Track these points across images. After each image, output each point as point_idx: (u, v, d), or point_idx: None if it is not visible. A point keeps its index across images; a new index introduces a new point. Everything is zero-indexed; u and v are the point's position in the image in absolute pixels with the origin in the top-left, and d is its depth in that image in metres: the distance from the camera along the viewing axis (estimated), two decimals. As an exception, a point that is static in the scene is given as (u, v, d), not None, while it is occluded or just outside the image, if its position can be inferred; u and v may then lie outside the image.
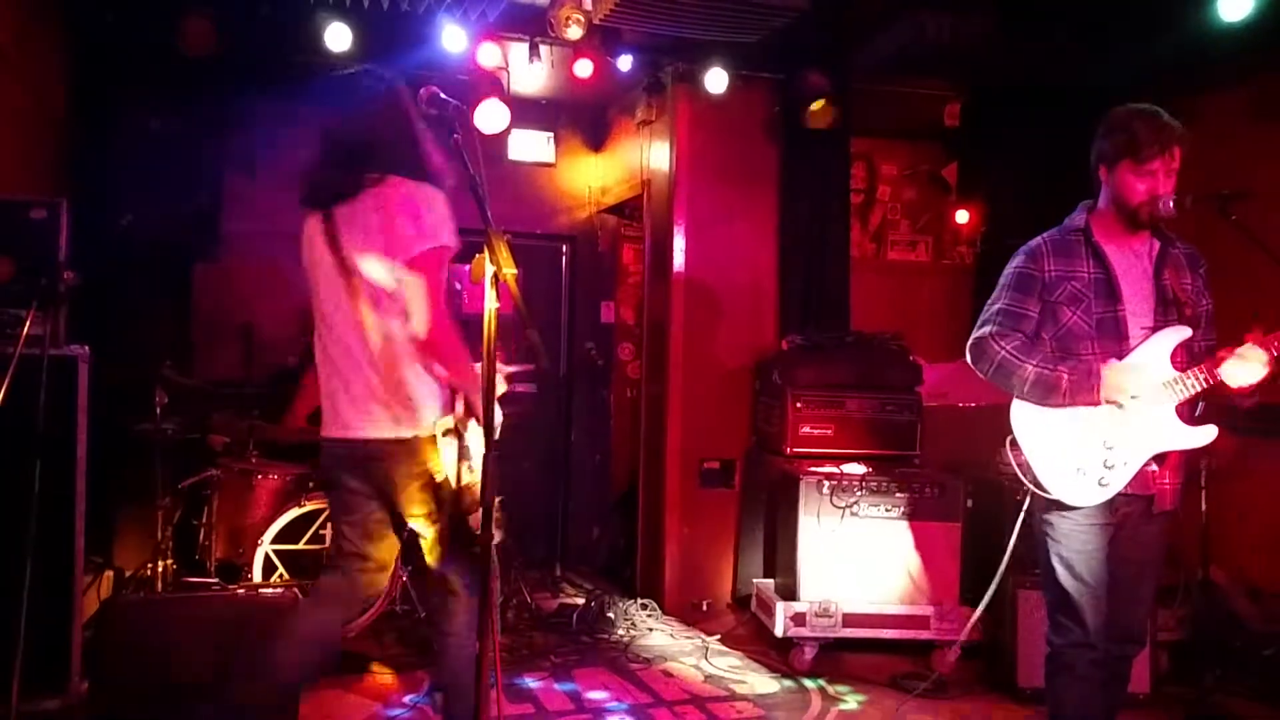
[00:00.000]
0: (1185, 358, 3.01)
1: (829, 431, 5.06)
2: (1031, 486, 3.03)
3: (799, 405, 5.06)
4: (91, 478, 3.73)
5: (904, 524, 4.69)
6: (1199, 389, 2.93)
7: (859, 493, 4.70)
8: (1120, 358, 2.99)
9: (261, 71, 5.09)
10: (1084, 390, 2.95)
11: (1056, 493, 2.99)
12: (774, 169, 5.71)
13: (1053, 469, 3.01)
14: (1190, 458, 3.09)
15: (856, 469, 4.83)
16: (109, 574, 4.67)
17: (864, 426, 5.08)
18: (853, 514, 4.67)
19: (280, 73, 5.02)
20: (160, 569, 4.35)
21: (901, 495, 4.71)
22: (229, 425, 4.81)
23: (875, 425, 5.09)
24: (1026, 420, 3.08)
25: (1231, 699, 4.04)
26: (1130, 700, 3.93)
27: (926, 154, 6.10)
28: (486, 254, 2.04)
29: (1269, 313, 2.94)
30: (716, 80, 5.34)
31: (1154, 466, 2.99)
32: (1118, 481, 2.97)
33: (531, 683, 4.37)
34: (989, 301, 3.18)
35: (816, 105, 5.37)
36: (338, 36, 4.69)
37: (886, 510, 4.70)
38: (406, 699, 4.10)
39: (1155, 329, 3.01)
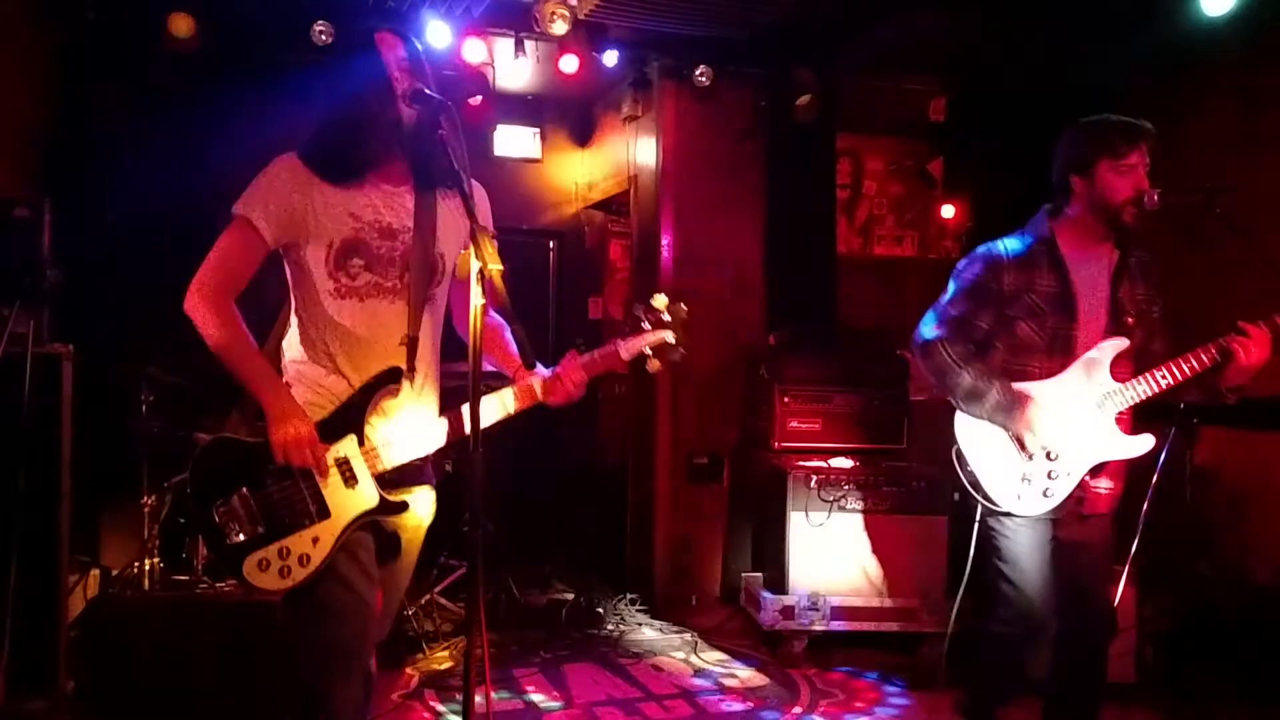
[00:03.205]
0: (1129, 368, 3.05)
1: (816, 426, 5.08)
2: (981, 499, 3.09)
3: (786, 400, 5.07)
4: (77, 477, 3.71)
5: (891, 518, 4.71)
6: (1142, 398, 3.00)
7: (846, 487, 4.71)
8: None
9: (246, 67, 5.07)
10: (1005, 416, 3.03)
11: (1004, 504, 3.06)
12: (761, 165, 5.72)
13: (999, 480, 3.07)
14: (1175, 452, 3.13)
15: (844, 463, 4.85)
16: (95, 573, 4.64)
17: (851, 421, 5.10)
18: (840, 508, 4.69)
19: (264, 68, 5.01)
20: (147, 568, 4.33)
21: (888, 489, 4.73)
22: (215, 423, 4.78)
23: (862, 420, 5.11)
24: (972, 433, 3.13)
25: (1216, 690, 4.06)
26: (1116, 691, 3.96)
27: (912, 149, 6.12)
28: (472, 250, 2.04)
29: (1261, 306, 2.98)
30: (703, 76, 5.34)
31: (1089, 477, 3.06)
32: (1061, 491, 3.04)
33: (521, 678, 4.37)
34: (943, 300, 3.21)
35: (803, 101, 5.38)
36: (321, 32, 4.68)
37: (874, 504, 4.71)
38: (394, 695, 4.10)
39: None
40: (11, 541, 3.35)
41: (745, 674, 4.53)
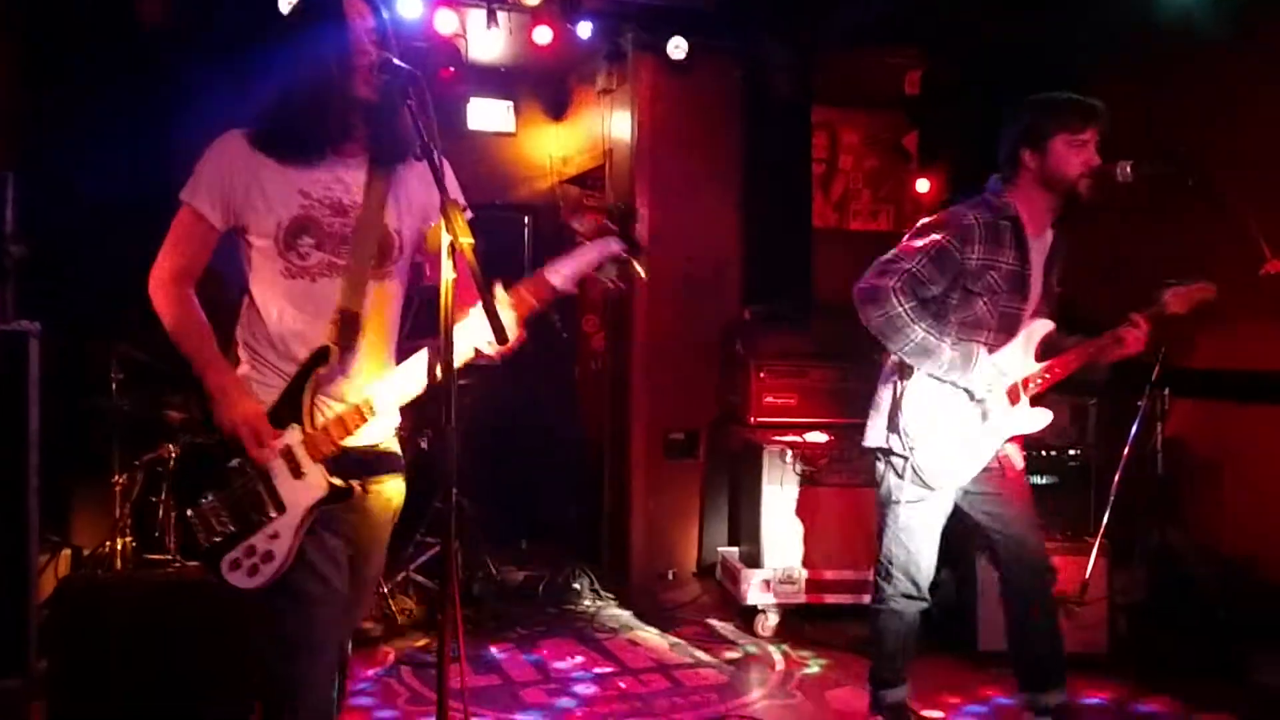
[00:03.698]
0: (1040, 350, 3.23)
1: (792, 401, 5.09)
2: (911, 470, 3.19)
3: (762, 375, 5.08)
4: (47, 456, 3.66)
5: (866, 491, 4.69)
6: (1051, 380, 3.19)
7: (821, 461, 4.73)
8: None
9: (215, 41, 4.99)
10: (959, 371, 3.11)
11: (934, 480, 3.18)
12: (737, 139, 5.69)
13: (939, 453, 3.17)
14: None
15: (819, 437, 4.86)
16: (66, 553, 4.60)
17: (827, 395, 5.11)
18: (815, 482, 4.71)
19: (234, 42, 4.92)
20: (119, 547, 4.30)
21: (864, 463, 4.72)
22: (186, 401, 4.74)
23: (838, 394, 5.11)
24: (922, 407, 3.20)
25: (1187, 660, 4.11)
26: (1087, 660, 4.02)
27: (888, 123, 6.10)
28: (442, 223, 2.00)
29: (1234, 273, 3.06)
30: (677, 48, 5.30)
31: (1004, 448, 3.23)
32: (981, 461, 3.19)
33: (498, 654, 4.38)
34: (897, 252, 3.17)
35: (779, 74, 5.35)
36: (289, 2, 4.61)
37: (849, 478, 4.73)
38: (370, 673, 4.10)
39: None
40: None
41: (721, 648, 4.55)
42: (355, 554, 2.38)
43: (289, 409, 2.26)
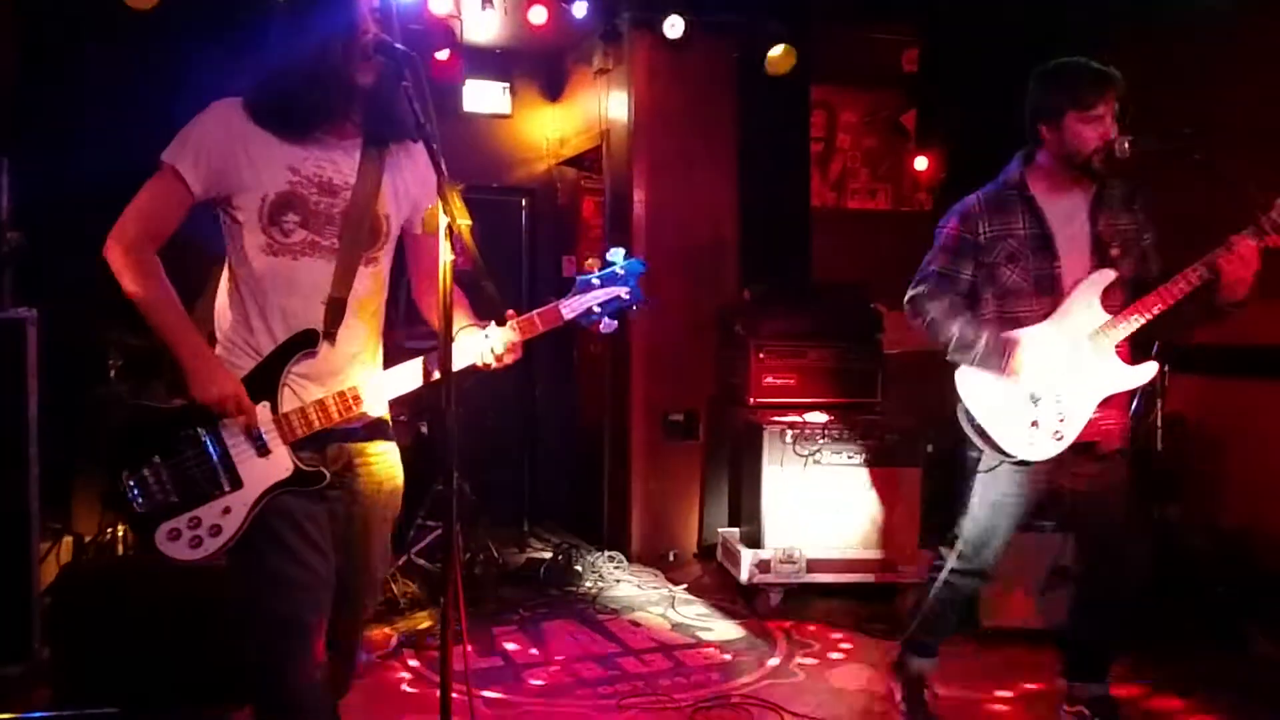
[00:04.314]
0: (1122, 298, 3.07)
1: (791, 381, 5.09)
2: (988, 450, 3.12)
3: (761, 355, 5.07)
4: (46, 443, 3.67)
5: (866, 470, 4.73)
6: (1136, 326, 3.00)
7: (821, 441, 4.73)
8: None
9: (208, 22, 4.96)
10: (994, 360, 3.06)
11: (1018, 452, 3.07)
12: (734, 118, 5.67)
13: (1008, 428, 3.08)
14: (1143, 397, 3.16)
15: (819, 417, 4.86)
16: (68, 540, 4.61)
17: (826, 375, 5.11)
18: (815, 462, 4.71)
19: (226, 23, 4.89)
20: (120, 534, 4.30)
21: (863, 442, 4.75)
22: (184, 387, 4.73)
23: (837, 374, 5.12)
24: (975, 387, 3.15)
25: (1188, 635, 4.13)
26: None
27: (886, 101, 6.08)
28: (440, 205, 1.99)
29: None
30: (674, 27, 5.26)
31: (1097, 413, 3.08)
32: (1072, 432, 3.05)
33: (500, 635, 4.39)
34: (926, 259, 3.27)
35: (776, 52, 5.32)
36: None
37: (849, 457, 4.73)
38: (373, 656, 4.11)
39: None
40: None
41: (722, 627, 4.57)
42: (348, 537, 2.34)
43: (262, 385, 2.22)
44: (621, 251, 2.32)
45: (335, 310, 2.26)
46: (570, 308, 2.30)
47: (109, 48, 4.97)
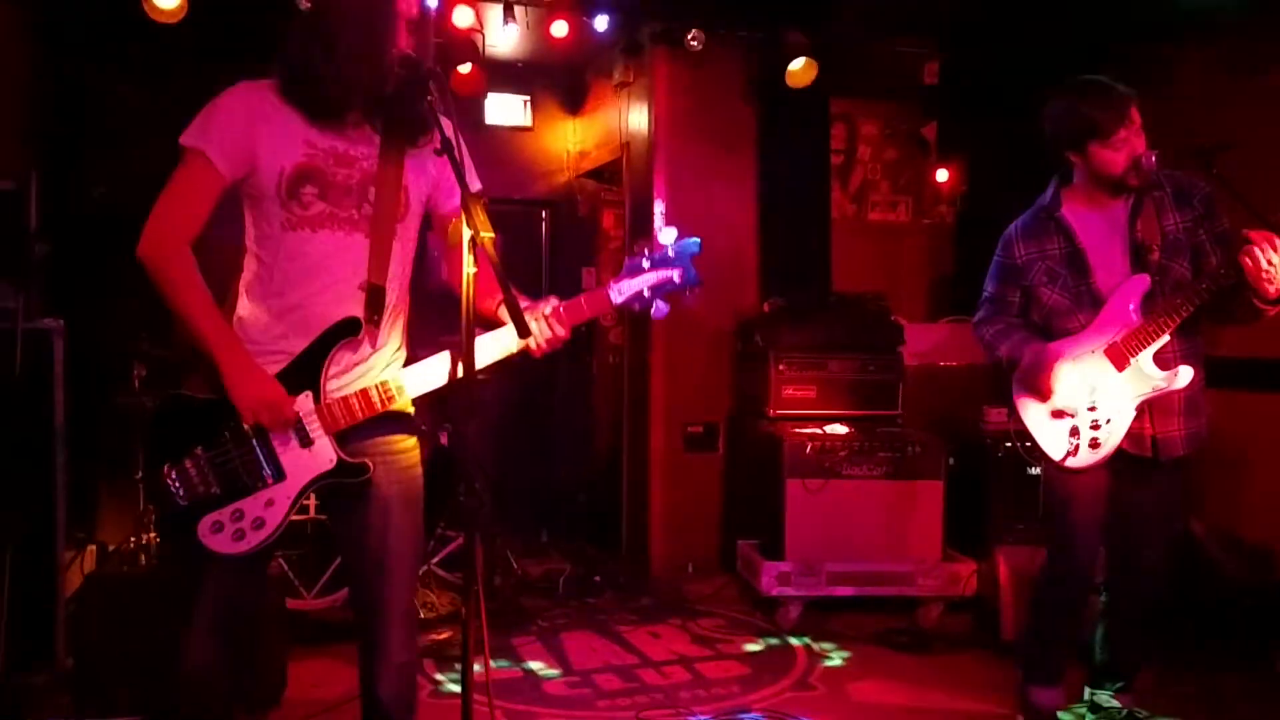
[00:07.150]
0: (1161, 305, 3.03)
1: (811, 393, 5.08)
2: (1039, 454, 3.21)
3: (782, 367, 5.07)
4: (72, 452, 3.71)
5: (887, 483, 4.72)
6: (1166, 330, 2.98)
7: (842, 453, 4.72)
8: None
9: (232, 36, 5.01)
10: (1033, 379, 3.14)
11: (1059, 457, 3.14)
12: (754, 130, 5.68)
13: (1050, 437, 3.17)
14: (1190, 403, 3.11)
15: (839, 429, 4.85)
16: (92, 549, 4.65)
17: (846, 387, 5.10)
18: (836, 474, 4.69)
19: (251, 37, 4.94)
20: (144, 542, 4.34)
21: (884, 455, 4.73)
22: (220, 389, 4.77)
23: (857, 386, 5.10)
24: (1022, 394, 3.24)
25: (1209, 650, 4.09)
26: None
27: (906, 113, 6.08)
28: (463, 218, 2.00)
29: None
30: (694, 40, 5.29)
31: (1150, 422, 3.08)
32: (1111, 440, 3.07)
33: (519, 646, 4.39)
34: (984, 285, 3.42)
35: (796, 64, 5.33)
36: None
37: (869, 470, 4.72)
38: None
39: None
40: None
41: (742, 639, 4.56)
42: (370, 525, 2.30)
43: (304, 375, 2.20)
44: (674, 231, 2.21)
45: (376, 299, 2.24)
46: (619, 291, 2.22)
47: (136, 60, 5.03)
